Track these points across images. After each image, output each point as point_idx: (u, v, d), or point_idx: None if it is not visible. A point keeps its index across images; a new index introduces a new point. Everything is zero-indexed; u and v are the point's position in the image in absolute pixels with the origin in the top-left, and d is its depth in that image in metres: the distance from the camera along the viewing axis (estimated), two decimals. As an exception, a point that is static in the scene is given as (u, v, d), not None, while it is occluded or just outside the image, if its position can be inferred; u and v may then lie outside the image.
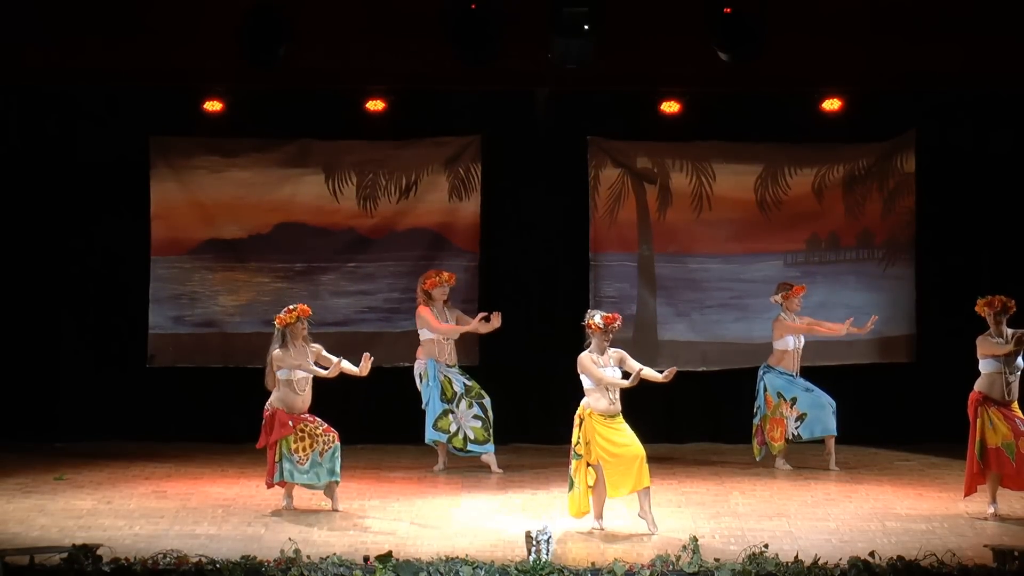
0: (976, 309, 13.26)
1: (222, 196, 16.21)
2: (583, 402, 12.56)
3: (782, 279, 15.63)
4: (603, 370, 12.45)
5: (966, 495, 13.26)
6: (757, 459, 15.24)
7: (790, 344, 15.17)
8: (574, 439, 12.53)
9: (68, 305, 16.23)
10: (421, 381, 14.95)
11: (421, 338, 14.96)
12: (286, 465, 13.04)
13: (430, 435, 14.87)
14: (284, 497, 13.23)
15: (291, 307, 13.20)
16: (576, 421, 12.54)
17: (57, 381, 16.21)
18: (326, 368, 13.06)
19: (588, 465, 12.46)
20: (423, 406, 14.90)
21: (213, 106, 15.63)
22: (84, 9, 14.47)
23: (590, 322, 12.59)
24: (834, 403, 15.13)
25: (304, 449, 13.05)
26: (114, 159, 16.10)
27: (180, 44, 14.56)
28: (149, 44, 14.55)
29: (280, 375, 13.10)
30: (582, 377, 12.53)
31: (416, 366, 14.99)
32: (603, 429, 12.43)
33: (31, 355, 16.17)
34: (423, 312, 14.89)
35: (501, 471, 14.89)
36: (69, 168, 16.12)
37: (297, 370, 13.07)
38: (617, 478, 12.40)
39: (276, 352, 13.09)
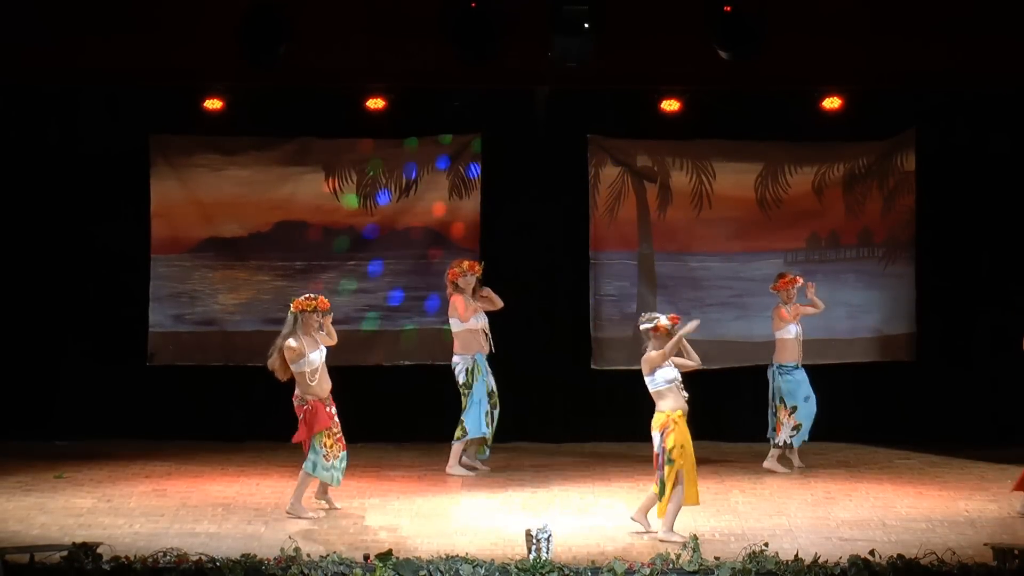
0: None
1: (222, 194, 16.22)
2: (664, 407, 12.28)
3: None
4: (668, 368, 12.35)
5: (1014, 490, 13.18)
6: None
7: (792, 332, 15.12)
8: (669, 444, 12.19)
9: (68, 303, 16.23)
10: (468, 375, 14.70)
11: (454, 330, 14.77)
12: (312, 456, 12.99)
13: (482, 429, 14.71)
14: (317, 497, 13.20)
15: (312, 296, 13.12)
16: (668, 427, 12.21)
17: (57, 379, 16.21)
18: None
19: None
20: (467, 400, 14.64)
21: (213, 105, 15.63)
22: (84, 9, 14.48)
23: (659, 325, 12.38)
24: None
25: (331, 447, 13.02)
26: (114, 157, 16.11)
27: (180, 43, 14.57)
28: (149, 43, 14.56)
29: (295, 367, 13.00)
30: (652, 380, 12.29)
31: (461, 361, 14.72)
32: (687, 432, 12.34)
33: (31, 353, 16.17)
34: (457, 301, 14.74)
35: (486, 468, 14.89)
36: (69, 167, 16.13)
37: (312, 355, 13.00)
38: (692, 488, 12.30)
39: (290, 343, 12.95)
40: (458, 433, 14.73)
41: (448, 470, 14.78)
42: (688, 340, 12.55)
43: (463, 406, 14.72)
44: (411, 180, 16.33)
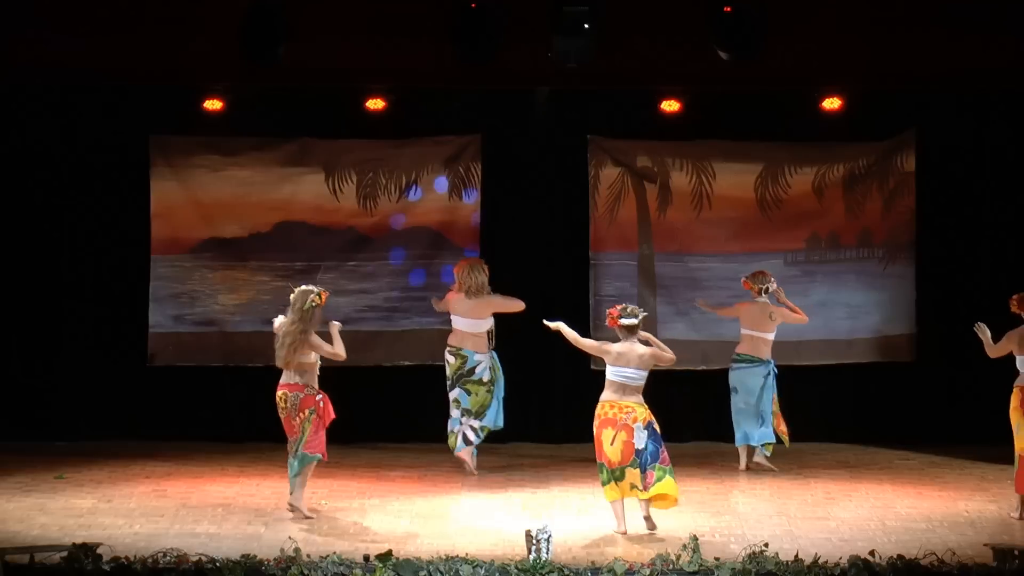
0: (1012, 308, 13.11)
1: (222, 195, 16.22)
2: (640, 399, 12.43)
3: (782, 278, 15.57)
4: None
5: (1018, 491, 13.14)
6: (788, 447, 15.13)
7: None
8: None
9: (68, 304, 16.23)
10: (492, 373, 14.67)
11: (478, 330, 14.68)
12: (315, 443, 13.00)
13: (499, 421, 14.74)
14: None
15: (320, 291, 13.04)
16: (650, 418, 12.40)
17: (57, 380, 16.21)
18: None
19: None
20: (491, 397, 14.66)
21: (213, 105, 15.64)
22: (84, 8, 14.48)
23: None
24: None
25: None
26: (114, 158, 16.11)
27: (180, 43, 14.58)
28: (149, 43, 14.57)
29: (305, 358, 12.84)
30: (645, 374, 12.43)
31: (485, 359, 14.67)
32: None
33: (31, 353, 16.17)
34: (496, 296, 14.73)
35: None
36: (69, 167, 16.12)
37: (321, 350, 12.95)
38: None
39: (314, 338, 12.83)
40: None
41: (459, 454, 14.70)
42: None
43: (482, 403, 14.65)
44: (411, 180, 16.33)
